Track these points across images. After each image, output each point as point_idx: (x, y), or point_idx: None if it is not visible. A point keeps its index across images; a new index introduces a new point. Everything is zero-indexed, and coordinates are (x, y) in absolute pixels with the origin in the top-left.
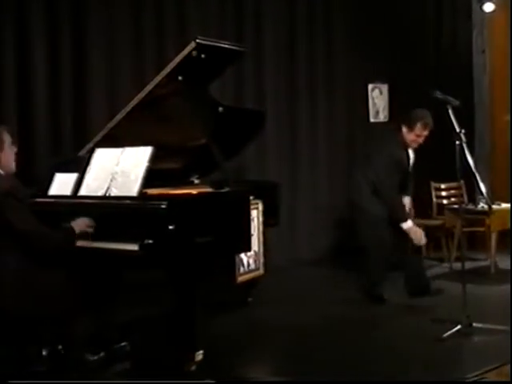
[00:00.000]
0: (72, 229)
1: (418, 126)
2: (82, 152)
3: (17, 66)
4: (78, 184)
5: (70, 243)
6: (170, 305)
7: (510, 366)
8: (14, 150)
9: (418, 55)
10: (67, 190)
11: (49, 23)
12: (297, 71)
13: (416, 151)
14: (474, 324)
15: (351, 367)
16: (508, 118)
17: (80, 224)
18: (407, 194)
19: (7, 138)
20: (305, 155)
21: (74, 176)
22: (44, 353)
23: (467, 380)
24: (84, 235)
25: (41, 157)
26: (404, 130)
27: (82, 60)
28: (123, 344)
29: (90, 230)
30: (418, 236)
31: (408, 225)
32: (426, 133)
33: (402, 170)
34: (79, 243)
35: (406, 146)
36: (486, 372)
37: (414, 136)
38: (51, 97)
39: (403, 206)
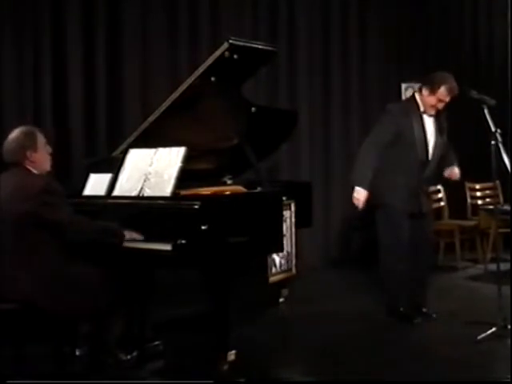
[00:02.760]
0: (121, 232)
1: (442, 89)
2: (116, 152)
3: (52, 67)
4: (112, 184)
5: (110, 239)
6: (203, 305)
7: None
8: (49, 150)
9: (453, 54)
10: (101, 191)
11: (84, 24)
12: (330, 71)
13: (440, 119)
14: (509, 326)
15: (384, 369)
16: None
17: (131, 233)
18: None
19: (41, 139)
20: (338, 155)
21: (108, 176)
22: (77, 353)
23: (501, 380)
24: None
25: (75, 157)
26: (425, 92)
27: (117, 61)
28: (156, 343)
29: (139, 238)
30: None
31: (356, 189)
32: (448, 99)
33: (407, 142)
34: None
35: (420, 112)
36: None
37: (436, 100)
38: (86, 97)
39: (367, 167)
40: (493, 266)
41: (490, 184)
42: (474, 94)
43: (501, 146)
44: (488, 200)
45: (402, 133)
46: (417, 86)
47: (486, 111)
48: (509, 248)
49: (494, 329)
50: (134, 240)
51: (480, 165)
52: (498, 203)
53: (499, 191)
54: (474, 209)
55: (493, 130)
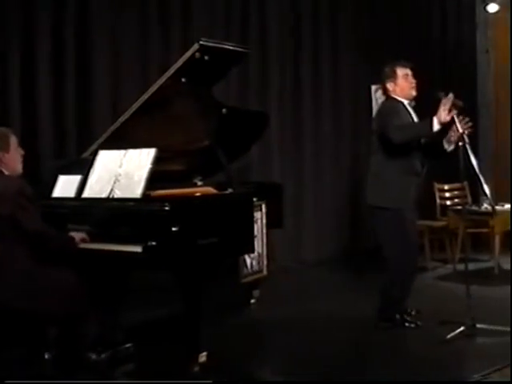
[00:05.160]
0: (73, 238)
1: (398, 69)
2: (86, 154)
3: (21, 67)
4: (82, 186)
5: (69, 250)
6: (174, 306)
7: (510, 366)
8: (21, 152)
9: (422, 56)
10: (71, 192)
11: (53, 23)
12: (301, 72)
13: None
14: (478, 325)
15: (355, 368)
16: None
17: (78, 234)
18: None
19: (13, 140)
20: (309, 156)
21: (77, 178)
22: (47, 356)
23: (470, 380)
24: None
25: (44, 159)
26: (391, 85)
27: (86, 61)
28: (128, 345)
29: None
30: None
31: (436, 123)
32: (409, 72)
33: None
34: (83, 245)
35: (404, 106)
36: (490, 373)
37: (404, 80)
38: (55, 98)
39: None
40: (462, 266)
41: (458, 185)
42: (442, 95)
43: (468, 147)
44: (456, 200)
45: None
46: None
47: (454, 113)
48: (477, 248)
49: (462, 328)
50: (85, 241)
51: (448, 166)
52: (466, 203)
53: (467, 192)
54: (443, 209)
55: (460, 131)
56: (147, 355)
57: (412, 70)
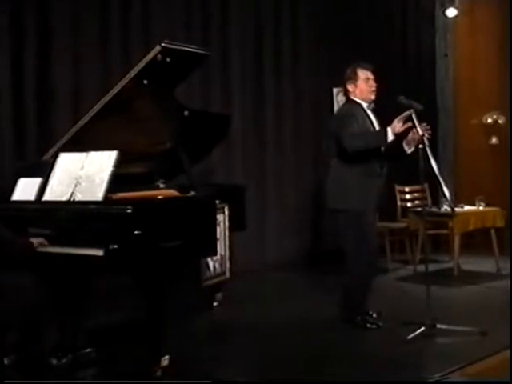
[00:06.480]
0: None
1: (359, 70)
2: (46, 156)
3: None
4: (42, 189)
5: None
6: (136, 310)
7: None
8: None
9: (382, 59)
10: (31, 195)
11: (12, 23)
12: (263, 74)
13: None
14: (438, 325)
15: (316, 368)
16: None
17: (37, 240)
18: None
19: None
20: (271, 158)
21: (37, 181)
22: (6, 361)
23: (430, 380)
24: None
25: (4, 161)
26: (351, 87)
27: (47, 62)
28: (89, 350)
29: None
30: (396, 125)
31: (390, 134)
32: (371, 75)
33: (364, 128)
34: (43, 249)
35: (363, 109)
36: (450, 373)
37: (365, 83)
38: (14, 99)
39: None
40: (422, 267)
41: (418, 187)
42: (402, 99)
43: (428, 149)
44: (417, 202)
45: (360, 127)
46: None
47: (413, 116)
48: (437, 249)
49: (422, 328)
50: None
51: (409, 168)
52: (427, 205)
53: (427, 194)
54: (404, 211)
55: (420, 134)
56: (109, 359)
57: (373, 73)
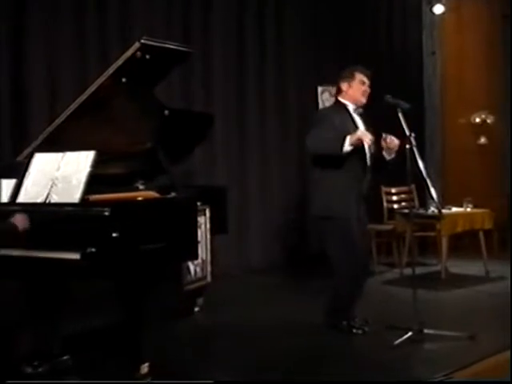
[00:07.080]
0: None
1: (357, 74)
2: (21, 157)
3: None
4: (16, 190)
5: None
6: (115, 316)
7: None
8: None
9: (368, 57)
10: (4, 197)
11: None
12: (246, 73)
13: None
14: (425, 330)
15: (301, 373)
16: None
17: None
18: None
19: None
20: (254, 159)
21: (11, 182)
22: None
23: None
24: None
25: None
26: (345, 86)
27: (21, 60)
28: (66, 357)
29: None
30: (362, 135)
31: (347, 144)
32: (367, 80)
33: (341, 130)
34: (18, 252)
35: (349, 112)
36: (437, 378)
37: (359, 86)
38: None
39: (324, 138)
40: (409, 270)
41: (405, 188)
42: (389, 98)
43: (415, 150)
44: (404, 204)
45: (337, 129)
46: (333, 88)
47: (400, 115)
48: (424, 252)
49: (410, 333)
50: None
51: (396, 169)
52: (414, 207)
53: (414, 195)
54: (390, 213)
55: (407, 134)
56: (87, 367)
57: (370, 79)
